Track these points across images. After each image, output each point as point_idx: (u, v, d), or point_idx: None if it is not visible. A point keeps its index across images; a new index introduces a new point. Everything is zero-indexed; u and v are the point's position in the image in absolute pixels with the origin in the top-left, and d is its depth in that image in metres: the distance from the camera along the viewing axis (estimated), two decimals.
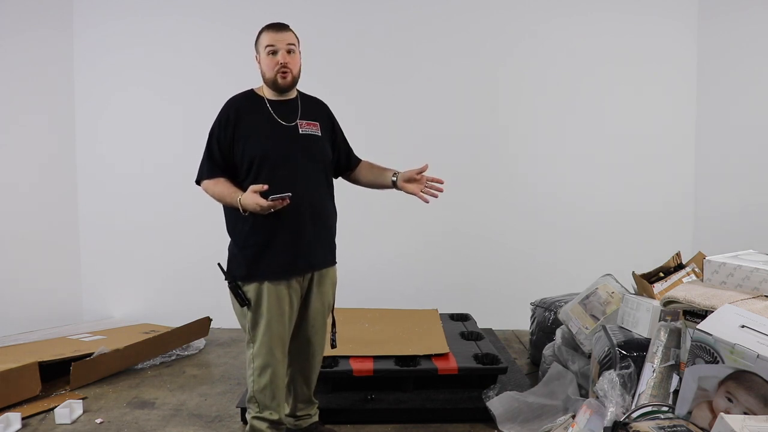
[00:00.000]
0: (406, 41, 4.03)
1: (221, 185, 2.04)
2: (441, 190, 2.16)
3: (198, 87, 3.99)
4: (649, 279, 2.57)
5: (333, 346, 2.31)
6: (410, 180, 2.16)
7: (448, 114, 4.04)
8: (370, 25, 4.03)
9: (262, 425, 2.15)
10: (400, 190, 2.21)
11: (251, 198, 1.92)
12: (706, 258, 2.13)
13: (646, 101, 4.05)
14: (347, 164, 2.31)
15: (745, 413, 1.52)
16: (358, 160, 2.34)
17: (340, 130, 2.29)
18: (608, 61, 4.02)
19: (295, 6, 3.92)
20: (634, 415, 1.80)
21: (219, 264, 2.13)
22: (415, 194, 2.15)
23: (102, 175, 4.07)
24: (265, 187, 1.92)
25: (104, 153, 4.06)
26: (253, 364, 2.10)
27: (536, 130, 4.06)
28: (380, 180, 2.25)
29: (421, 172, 2.16)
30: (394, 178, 2.19)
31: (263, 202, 1.90)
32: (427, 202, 2.17)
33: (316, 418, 2.36)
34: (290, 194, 1.92)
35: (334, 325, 2.29)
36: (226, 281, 2.10)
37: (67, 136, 4.03)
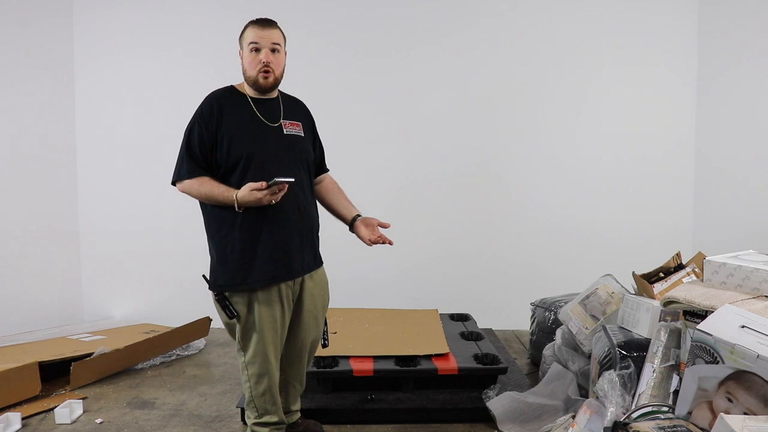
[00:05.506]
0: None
1: (208, 184, 1.95)
2: (386, 244, 2.13)
3: (200, 87, 3.94)
4: (649, 279, 2.57)
5: (324, 345, 2.29)
6: (368, 225, 2.13)
7: (448, 114, 4.04)
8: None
9: (264, 430, 2.15)
10: (353, 230, 2.16)
11: (249, 194, 1.86)
12: (706, 258, 2.13)
13: (646, 101, 4.05)
14: (320, 168, 2.26)
15: (745, 413, 1.52)
16: (327, 168, 2.31)
17: (317, 131, 2.25)
18: (609, 60, 4.01)
19: (293, 3, 3.94)
20: (634, 415, 1.80)
21: (204, 276, 2.06)
22: (363, 239, 2.12)
23: (102, 175, 4.07)
24: (264, 184, 1.85)
25: (105, 153, 4.06)
26: (248, 372, 2.07)
27: (535, 131, 4.05)
28: (341, 211, 2.20)
29: (384, 226, 2.13)
30: (354, 220, 2.15)
31: (261, 194, 1.84)
32: (370, 246, 2.13)
33: (299, 413, 2.37)
34: (293, 180, 1.86)
35: (325, 324, 2.27)
36: (212, 293, 2.02)
37: (67, 136, 4.02)
